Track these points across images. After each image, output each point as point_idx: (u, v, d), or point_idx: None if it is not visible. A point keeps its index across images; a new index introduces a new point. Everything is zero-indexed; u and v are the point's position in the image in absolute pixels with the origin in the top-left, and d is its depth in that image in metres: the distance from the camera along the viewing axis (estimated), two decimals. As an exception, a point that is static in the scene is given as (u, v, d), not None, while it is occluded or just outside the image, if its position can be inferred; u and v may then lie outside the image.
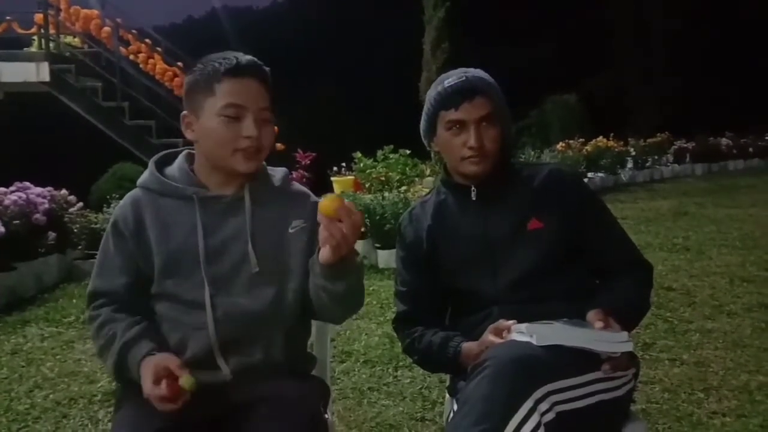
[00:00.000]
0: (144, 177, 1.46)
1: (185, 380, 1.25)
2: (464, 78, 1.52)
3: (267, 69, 1.42)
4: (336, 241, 1.23)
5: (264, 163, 1.50)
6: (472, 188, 1.58)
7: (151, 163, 1.48)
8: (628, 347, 1.29)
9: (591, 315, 1.33)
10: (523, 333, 1.31)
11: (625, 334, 1.30)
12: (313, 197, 1.52)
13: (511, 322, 1.37)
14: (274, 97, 1.42)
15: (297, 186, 1.53)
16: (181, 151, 1.50)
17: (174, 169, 1.46)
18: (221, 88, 1.35)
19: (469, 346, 1.46)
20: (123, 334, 1.35)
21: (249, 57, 1.39)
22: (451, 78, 1.54)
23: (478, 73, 1.56)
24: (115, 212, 1.47)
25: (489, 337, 1.38)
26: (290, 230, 1.43)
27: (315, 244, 1.41)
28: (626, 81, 21.25)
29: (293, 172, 7.01)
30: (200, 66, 1.38)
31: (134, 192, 1.47)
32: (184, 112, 1.41)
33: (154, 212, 1.41)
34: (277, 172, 1.52)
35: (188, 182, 1.42)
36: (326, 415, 1.48)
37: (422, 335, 1.58)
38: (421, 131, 1.63)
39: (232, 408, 1.34)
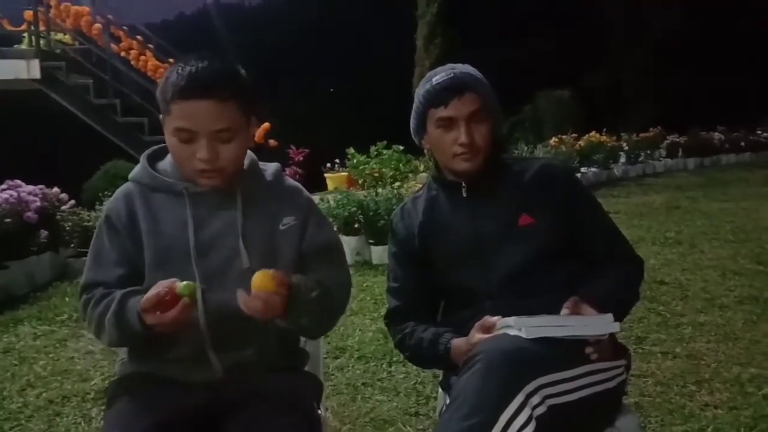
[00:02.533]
0: (136, 171, 1.45)
1: (182, 286, 1.24)
2: (452, 74, 1.52)
3: (231, 82, 1.32)
4: (258, 315, 1.25)
5: (255, 158, 1.49)
6: (463, 184, 1.58)
7: (143, 158, 1.47)
8: (615, 328, 1.31)
9: (565, 304, 1.35)
10: (511, 327, 1.31)
11: (609, 316, 1.31)
12: (305, 193, 1.51)
13: (495, 318, 1.37)
14: (248, 106, 1.35)
15: (289, 181, 1.52)
16: None
17: (166, 163, 1.45)
18: (173, 110, 1.30)
19: (458, 343, 1.46)
20: (122, 291, 1.34)
21: (206, 72, 1.29)
22: (439, 75, 1.53)
23: (466, 68, 1.56)
24: (107, 206, 1.46)
25: (476, 334, 1.39)
26: (281, 227, 1.42)
27: (305, 240, 1.42)
28: (619, 76, 21.29)
29: (286, 169, 6.99)
30: (167, 74, 1.33)
31: (126, 186, 1.46)
32: (161, 115, 1.39)
33: (146, 206, 1.40)
34: (270, 167, 1.51)
35: (179, 177, 1.41)
36: (320, 411, 1.49)
37: (413, 331, 1.58)
38: (412, 129, 1.63)
39: (225, 404, 1.34)
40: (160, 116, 1.38)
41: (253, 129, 1.41)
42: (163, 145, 1.51)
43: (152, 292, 1.24)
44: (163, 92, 1.32)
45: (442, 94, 1.51)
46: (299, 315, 1.31)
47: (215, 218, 1.40)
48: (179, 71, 1.30)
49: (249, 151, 1.47)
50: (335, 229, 5.15)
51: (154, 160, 1.47)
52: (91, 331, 1.42)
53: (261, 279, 1.24)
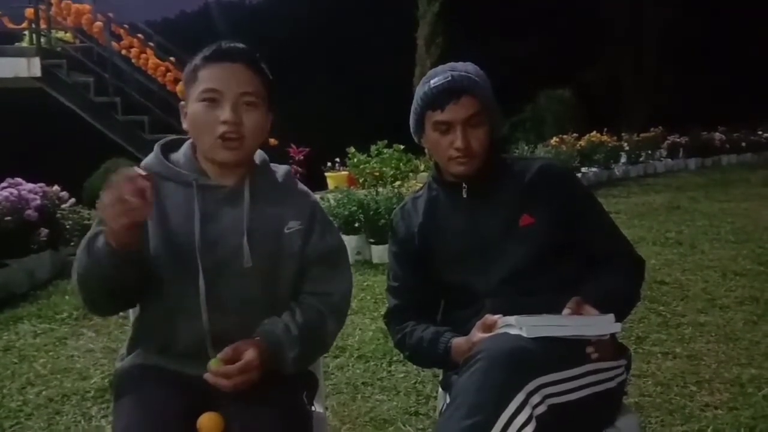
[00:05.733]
0: (148, 159, 1.46)
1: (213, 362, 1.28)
2: (450, 77, 1.49)
3: (258, 58, 1.40)
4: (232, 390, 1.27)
5: (266, 157, 1.50)
6: (463, 185, 1.57)
7: (156, 147, 1.48)
8: (616, 328, 1.31)
9: (568, 304, 1.34)
10: (512, 326, 1.31)
11: (611, 316, 1.30)
12: (313, 197, 1.52)
13: (497, 316, 1.37)
14: (270, 83, 1.41)
15: (299, 185, 1.52)
16: (188, 139, 1.50)
17: (179, 155, 1.46)
18: (202, 75, 1.36)
19: (458, 342, 1.46)
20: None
21: (235, 44, 1.39)
22: (438, 77, 1.51)
23: (466, 69, 1.53)
24: None
25: (477, 333, 1.39)
26: (286, 230, 1.43)
27: (308, 245, 1.43)
28: (620, 74, 21.27)
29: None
30: (194, 57, 1.40)
31: None
32: (182, 102, 1.42)
33: (155, 194, 1.40)
34: (280, 169, 1.52)
35: (191, 169, 1.42)
36: (313, 408, 1.49)
37: (413, 330, 1.58)
38: (411, 129, 1.62)
39: (217, 398, 1.35)
40: (181, 104, 1.42)
41: (270, 119, 1.43)
42: (178, 137, 1.52)
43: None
44: (191, 65, 1.38)
45: (439, 98, 1.49)
46: (280, 364, 1.36)
47: (222, 213, 1.40)
48: (209, 45, 1.38)
49: (260, 151, 1.49)
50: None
51: (167, 151, 1.48)
52: (74, 283, 1.35)
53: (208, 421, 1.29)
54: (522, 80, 16.67)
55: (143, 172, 1.19)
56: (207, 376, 1.27)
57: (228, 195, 1.41)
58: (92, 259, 1.27)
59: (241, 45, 1.40)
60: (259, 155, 1.48)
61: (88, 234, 1.33)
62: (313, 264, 1.44)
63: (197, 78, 1.36)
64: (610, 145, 12.58)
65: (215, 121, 1.34)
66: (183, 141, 1.50)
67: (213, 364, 1.28)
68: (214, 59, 1.36)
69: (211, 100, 1.34)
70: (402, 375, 2.92)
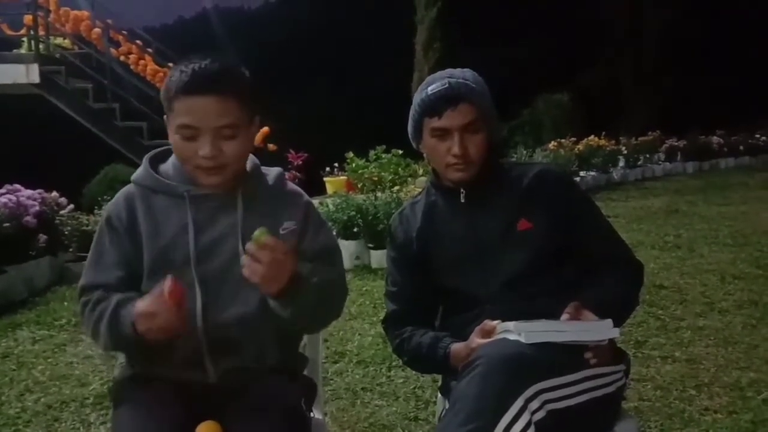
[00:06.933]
0: (138, 173, 1.46)
1: (257, 234, 1.21)
2: (447, 84, 1.50)
3: (234, 79, 1.33)
4: (258, 278, 1.22)
5: (257, 161, 1.50)
6: (461, 190, 1.58)
7: (145, 160, 1.47)
8: (615, 333, 1.31)
9: (566, 309, 1.34)
10: (510, 331, 1.31)
11: (609, 322, 1.31)
12: (306, 197, 1.51)
13: (495, 322, 1.37)
14: (251, 104, 1.36)
15: (290, 186, 1.52)
16: None
17: (168, 166, 1.46)
18: (177, 107, 1.31)
19: (457, 347, 1.46)
20: (117, 298, 1.34)
21: (210, 69, 1.30)
22: (435, 84, 1.52)
23: (464, 75, 1.53)
24: (108, 208, 1.46)
25: (476, 339, 1.39)
26: (281, 231, 1.42)
27: (304, 243, 1.43)
28: (619, 77, 21.30)
29: (285, 173, 6.96)
30: (170, 73, 1.35)
31: (128, 188, 1.46)
32: (165, 115, 1.40)
33: (147, 209, 1.40)
34: (272, 172, 1.51)
35: (181, 180, 1.41)
36: (312, 414, 1.49)
37: (411, 336, 1.58)
38: (409, 134, 1.62)
39: (215, 406, 1.35)
40: (164, 117, 1.39)
41: (255, 129, 1.41)
42: (165, 147, 1.51)
43: (147, 297, 1.25)
44: (166, 90, 1.33)
45: (436, 104, 1.50)
46: (298, 296, 1.28)
47: (216, 222, 1.40)
48: (183, 69, 1.31)
49: (251, 155, 1.48)
50: (334, 233, 5.19)
51: (156, 162, 1.48)
52: (88, 335, 1.42)
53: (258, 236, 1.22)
54: (520, 84, 16.74)
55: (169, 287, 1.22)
56: (250, 246, 1.21)
57: (221, 203, 1.40)
58: (118, 339, 1.33)
59: (215, 68, 1.30)
60: (250, 160, 1.47)
61: (109, 308, 1.33)
62: (308, 260, 1.43)
63: (173, 109, 1.32)
64: (608, 148, 12.60)
65: (194, 154, 1.32)
66: (170, 152, 1.48)
67: (259, 234, 1.20)
68: (187, 92, 1.29)
69: (188, 135, 1.31)
70: (401, 380, 2.91)
